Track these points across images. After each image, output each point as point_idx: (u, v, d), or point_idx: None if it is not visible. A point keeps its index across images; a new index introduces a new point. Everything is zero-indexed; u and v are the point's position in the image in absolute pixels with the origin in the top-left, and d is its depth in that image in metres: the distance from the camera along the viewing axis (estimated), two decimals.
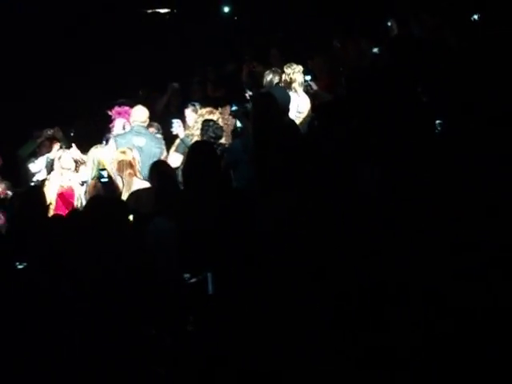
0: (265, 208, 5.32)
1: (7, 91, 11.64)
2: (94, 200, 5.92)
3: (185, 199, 5.68)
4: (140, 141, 8.07)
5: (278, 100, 6.50)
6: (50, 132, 10.13)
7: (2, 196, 8.77)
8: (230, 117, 8.29)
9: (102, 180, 7.07)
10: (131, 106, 8.68)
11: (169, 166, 7.08)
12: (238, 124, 7.73)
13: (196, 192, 5.56)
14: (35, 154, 9.84)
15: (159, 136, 8.65)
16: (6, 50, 11.82)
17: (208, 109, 8.27)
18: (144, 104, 8.71)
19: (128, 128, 8.48)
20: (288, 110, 7.11)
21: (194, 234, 5.31)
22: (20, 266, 5.24)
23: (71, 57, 12.46)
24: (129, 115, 8.57)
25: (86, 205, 6.51)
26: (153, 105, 9.71)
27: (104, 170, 7.13)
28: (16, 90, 11.82)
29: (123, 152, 7.47)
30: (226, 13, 13.83)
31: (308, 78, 8.00)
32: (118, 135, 8.33)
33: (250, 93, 8.65)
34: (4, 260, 5.35)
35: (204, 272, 5.09)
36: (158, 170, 6.59)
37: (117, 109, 8.79)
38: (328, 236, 4.77)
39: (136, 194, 6.89)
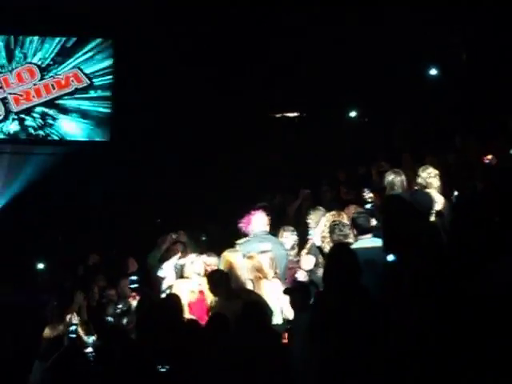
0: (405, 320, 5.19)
1: None
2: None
3: (324, 301, 5.61)
4: (266, 246, 8.13)
5: (421, 204, 6.43)
6: (174, 236, 10.17)
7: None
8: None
9: None
10: (267, 211, 8.78)
11: None
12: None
13: (336, 294, 5.49)
14: (163, 260, 9.93)
15: (284, 240, 8.64)
16: None
17: (334, 212, 8.24)
18: (279, 208, 8.76)
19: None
20: (430, 213, 6.98)
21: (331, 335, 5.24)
22: (162, 370, 5.28)
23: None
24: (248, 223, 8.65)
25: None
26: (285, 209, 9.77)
27: None
28: None
29: (250, 257, 7.63)
30: (353, 117, 14.00)
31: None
32: (241, 244, 8.41)
33: (369, 193, 8.60)
34: (146, 363, 5.39)
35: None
36: None
37: (252, 212, 8.86)
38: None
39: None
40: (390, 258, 5.91)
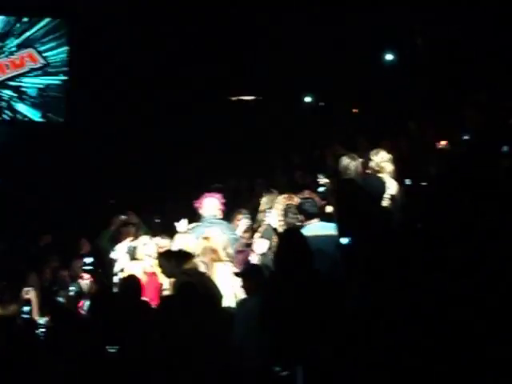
0: (352, 295, 5.25)
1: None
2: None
3: (277, 286, 5.63)
4: (212, 231, 8.10)
5: (373, 188, 6.47)
6: (123, 218, 10.04)
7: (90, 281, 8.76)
8: None
9: None
10: (222, 194, 8.78)
11: None
12: None
13: (288, 278, 5.51)
14: (113, 241, 9.76)
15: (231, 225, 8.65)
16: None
17: (286, 195, 8.28)
18: (234, 194, 8.77)
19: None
20: (382, 198, 7.04)
21: (285, 323, 5.25)
22: (111, 350, 5.27)
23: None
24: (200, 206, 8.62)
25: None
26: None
27: None
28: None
29: (206, 238, 7.59)
30: (309, 102, 14.04)
31: None
32: (191, 228, 8.37)
33: (323, 178, 8.64)
34: (95, 343, 5.37)
35: (294, 366, 5.02)
36: None
37: (206, 194, 8.84)
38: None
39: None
40: (344, 241, 5.96)
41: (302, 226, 7.30)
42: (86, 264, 8.53)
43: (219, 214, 8.53)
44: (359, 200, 6.45)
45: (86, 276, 8.62)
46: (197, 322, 5.71)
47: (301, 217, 7.49)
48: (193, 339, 5.52)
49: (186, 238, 7.90)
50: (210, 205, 8.47)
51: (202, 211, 8.46)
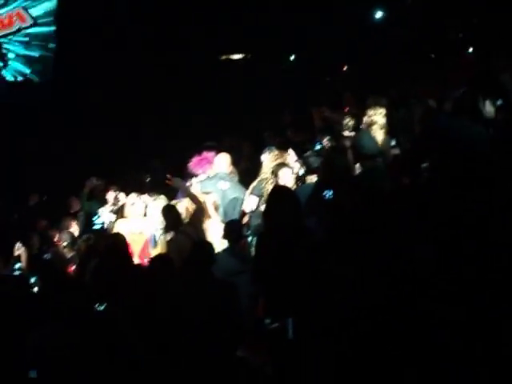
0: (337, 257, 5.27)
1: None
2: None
3: (266, 242, 5.61)
4: (224, 185, 8.15)
5: (365, 145, 6.46)
6: (95, 181, 10.19)
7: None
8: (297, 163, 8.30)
9: None
10: (216, 152, 8.77)
11: None
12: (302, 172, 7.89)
13: (277, 235, 5.49)
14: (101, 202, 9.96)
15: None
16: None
17: (277, 152, 8.28)
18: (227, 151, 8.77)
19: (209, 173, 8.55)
20: (375, 154, 7.02)
21: (274, 278, 5.26)
22: (99, 308, 5.28)
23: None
24: (210, 162, 8.61)
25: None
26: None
27: None
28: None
29: (206, 193, 7.82)
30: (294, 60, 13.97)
31: None
32: (204, 179, 8.40)
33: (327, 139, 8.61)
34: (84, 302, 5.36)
35: (285, 317, 5.05)
36: None
37: (204, 154, 8.81)
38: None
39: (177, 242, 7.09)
40: (328, 194, 5.98)
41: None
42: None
43: (231, 172, 8.53)
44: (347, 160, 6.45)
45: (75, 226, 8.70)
46: (187, 280, 5.73)
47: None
48: (182, 298, 5.54)
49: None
50: (225, 160, 8.46)
51: (213, 167, 8.44)
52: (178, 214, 7.58)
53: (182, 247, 6.86)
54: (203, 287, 5.64)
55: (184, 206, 7.82)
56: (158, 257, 6.39)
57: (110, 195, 9.40)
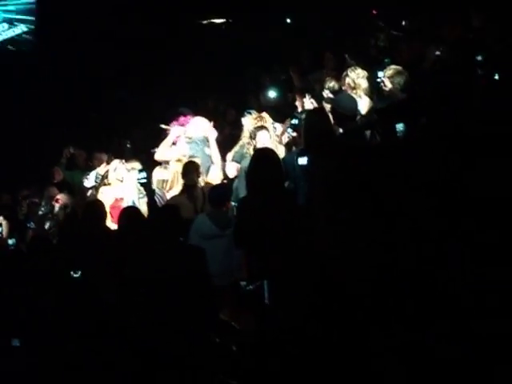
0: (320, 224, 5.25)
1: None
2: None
3: (249, 205, 5.62)
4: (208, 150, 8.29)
5: (346, 107, 6.41)
6: (71, 150, 10.26)
7: (62, 206, 8.77)
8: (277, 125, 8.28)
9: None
10: (192, 116, 8.73)
11: None
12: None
13: (260, 198, 5.50)
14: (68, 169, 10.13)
15: None
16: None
17: (256, 115, 8.26)
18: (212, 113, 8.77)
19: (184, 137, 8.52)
20: (355, 115, 6.97)
21: (255, 240, 5.28)
22: (75, 275, 5.28)
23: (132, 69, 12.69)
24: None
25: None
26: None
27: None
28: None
29: (179, 160, 7.76)
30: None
31: (381, 74, 7.76)
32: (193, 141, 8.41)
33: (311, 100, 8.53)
34: (60, 269, 5.36)
35: (260, 280, 5.06)
36: None
37: (182, 118, 8.79)
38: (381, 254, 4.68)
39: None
40: (303, 160, 5.95)
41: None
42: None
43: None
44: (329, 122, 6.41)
45: (58, 198, 8.69)
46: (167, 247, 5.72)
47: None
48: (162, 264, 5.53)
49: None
50: (203, 124, 8.47)
51: (189, 131, 8.42)
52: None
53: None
54: (171, 253, 5.60)
55: (174, 170, 7.84)
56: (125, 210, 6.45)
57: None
